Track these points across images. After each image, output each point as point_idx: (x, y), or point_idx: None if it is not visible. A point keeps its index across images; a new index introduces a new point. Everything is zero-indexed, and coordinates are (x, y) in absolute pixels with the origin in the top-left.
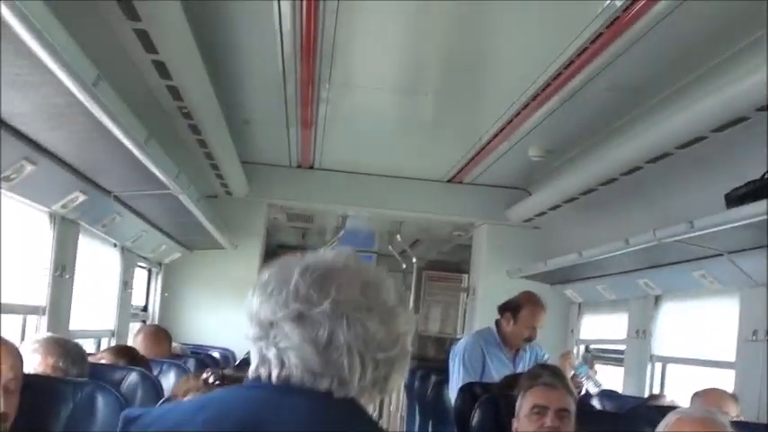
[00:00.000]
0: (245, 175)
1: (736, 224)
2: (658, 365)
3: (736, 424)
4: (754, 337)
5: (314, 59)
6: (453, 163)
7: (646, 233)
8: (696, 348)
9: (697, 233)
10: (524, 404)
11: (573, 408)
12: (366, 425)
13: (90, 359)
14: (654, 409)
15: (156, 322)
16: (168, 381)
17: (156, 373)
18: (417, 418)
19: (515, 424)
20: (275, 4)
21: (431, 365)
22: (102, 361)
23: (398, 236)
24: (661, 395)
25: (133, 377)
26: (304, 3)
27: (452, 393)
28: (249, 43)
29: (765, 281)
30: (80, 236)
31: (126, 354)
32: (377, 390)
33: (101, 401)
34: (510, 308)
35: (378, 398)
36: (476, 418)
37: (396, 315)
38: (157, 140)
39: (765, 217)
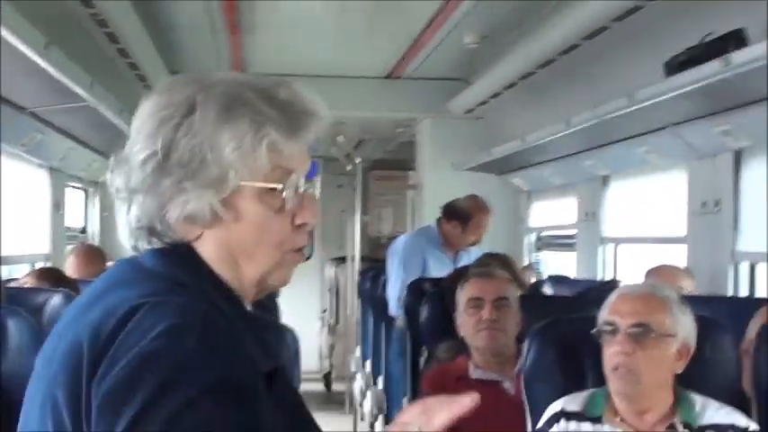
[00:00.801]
0: None
1: (677, 92)
2: (610, 247)
3: (688, 298)
4: (704, 209)
5: None
6: (389, 58)
7: (586, 111)
8: (647, 227)
9: (637, 106)
10: (461, 297)
11: (514, 295)
12: None
13: (13, 284)
14: (604, 291)
15: (97, 244)
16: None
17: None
18: (370, 319)
19: (458, 319)
20: None
21: (381, 266)
22: (27, 285)
23: (340, 137)
24: (614, 281)
25: (56, 300)
26: None
27: (391, 292)
28: None
29: (711, 151)
30: (2, 158)
31: (51, 276)
32: None
33: (12, 327)
34: (458, 215)
35: None
36: (424, 312)
37: None
38: (70, 51)
39: (706, 82)
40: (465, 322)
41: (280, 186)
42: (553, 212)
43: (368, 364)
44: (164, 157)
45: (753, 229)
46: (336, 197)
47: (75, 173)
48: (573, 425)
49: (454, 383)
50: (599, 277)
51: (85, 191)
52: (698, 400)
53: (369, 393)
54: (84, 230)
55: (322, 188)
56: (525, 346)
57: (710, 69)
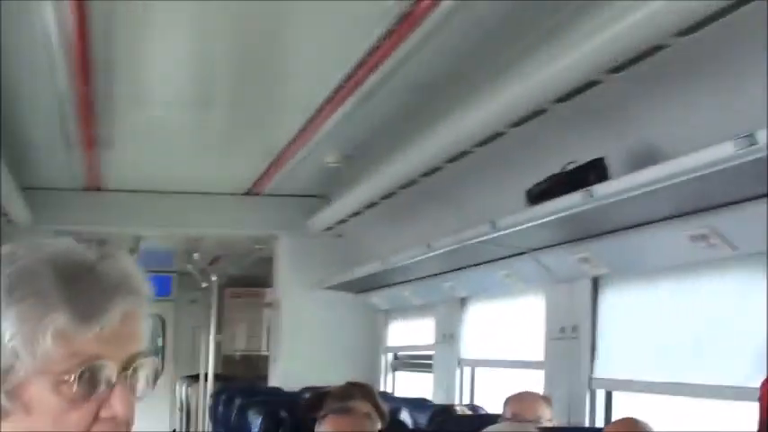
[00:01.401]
0: (26, 201)
1: (538, 222)
2: (467, 369)
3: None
4: (562, 334)
5: (89, 75)
6: (250, 175)
7: (448, 236)
8: (505, 350)
9: (499, 233)
10: None
11: (374, 428)
12: None
13: None
14: (463, 420)
15: None
16: None
17: None
18: None
19: None
20: (42, 17)
21: (236, 386)
22: None
23: (196, 254)
24: (468, 406)
25: None
26: (70, 16)
27: None
28: (19, 60)
29: (569, 277)
30: None
31: None
32: None
33: None
34: None
35: None
36: None
37: None
38: None
39: (567, 213)
40: None
41: (70, 377)
42: (411, 332)
43: None
44: None
45: (610, 355)
46: (190, 313)
47: None
48: None
49: None
50: (456, 400)
51: None
52: None
53: None
54: None
55: (175, 304)
56: None
57: (571, 201)
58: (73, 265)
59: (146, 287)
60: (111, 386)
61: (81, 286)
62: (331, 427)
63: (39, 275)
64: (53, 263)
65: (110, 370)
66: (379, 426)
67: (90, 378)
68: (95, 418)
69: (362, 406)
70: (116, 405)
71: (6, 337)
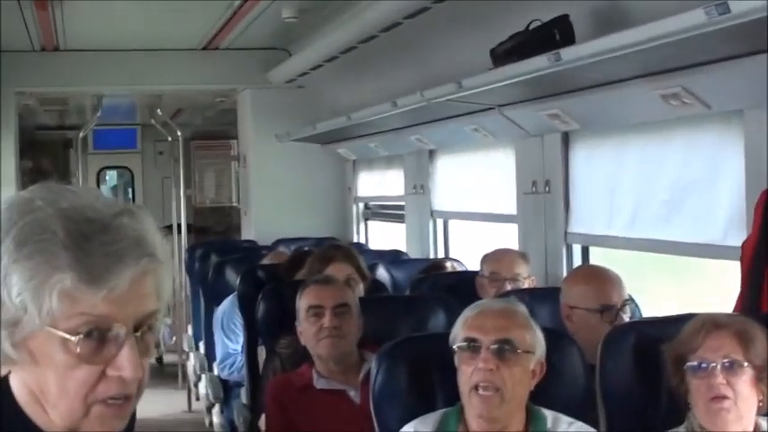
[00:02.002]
0: None
1: (504, 83)
2: (440, 221)
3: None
4: (534, 189)
5: None
6: (207, 29)
7: (414, 94)
8: (478, 203)
9: (465, 93)
10: (301, 306)
11: (354, 300)
12: None
13: None
14: (440, 278)
15: None
16: None
17: None
18: (201, 300)
19: (299, 327)
20: None
21: (210, 241)
22: None
23: (159, 109)
24: (445, 259)
25: None
26: None
27: (217, 363)
28: None
29: (539, 132)
30: None
31: None
32: None
33: None
34: None
35: None
36: (261, 309)
37: None
38: None
39: (534, 75)
40: (306, 330)
41: (75, 338)
42: (381, 183)
43: (201, 345)
44: None
45: (584, 211)
46: (158, 165)
47: None
48: None
49: (298, 394)
50: (431, 253)
51: None
52: (549, 416)
53: (204, 378)
54: None
55: (142, 156)
56: (374, 365)
57: (538, 64)
58: (86, 223)
59: (161, 248)
60: (118, 346)
61: (91, 247)
62: (314, 297)
63: (50, 233)
64: (67, 219)
65: (118, 330)
66: (361, 288)
67: (97, 337)
68: (102, 376)
69: (344, 268)
70: (123, 365)
71: (14, 291)
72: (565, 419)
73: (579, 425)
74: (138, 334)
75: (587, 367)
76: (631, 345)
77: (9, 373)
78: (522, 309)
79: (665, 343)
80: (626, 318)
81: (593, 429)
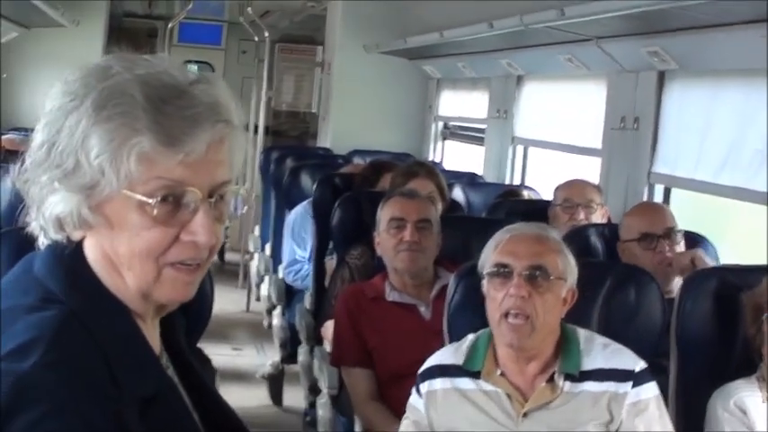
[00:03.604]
0: None
1: (608, 15)
2: (520, 148)
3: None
4: (622, 125)
5: None
6: None
7: (512, 17)
8: (561, 134)
9: (567, 21)
10: (383, 217)
11: (436, 217)
12: None
13: None
14: (516, 204)
15: None
16: (6, 185)
17: None
18: (273, 203)
19: (377, 238)
20: None
21: (286, 145)
22: None
23: (249, 8)
24: (521, 187)
25: None
26: None
27: (283, 268)
28: None
29: (634, 68)
30: None
31: None
32: None
33: None
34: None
35: None
36: (336, 216)
37: None
38: None
39: (638, 10)
40: (385, 242)
41: (152, 201)
42: (463, 104)
43: (267, 247)
44: (47, 151)
45: (671, 152)
46: (240, 63)
47: None
48: (447, 382)
49: (369, 304)
50: (508, 180)
51: None
52: (582, 338)
53: (267, 279)
54: None
55: (225, 53)
56: (452, 283)
57: None
58: (164, 88)
59: (237, 116)
60: (193, 211)
61: (169, 110)
62: (397, 209)
63: (129, 96)
64: (145, 84)
65: (193, 195)
66: (439, 207)
67: (173, 202)
68: (175, 240)
69: (426, 185)
70: (197, 230)
71: (93, 154)
72: (599, 341)
73: (614, 348)
74: (212, 201)
75: (665, 305)
76: (711, 290)
77: (83, 239)
78: (555, 234)
79: (745, 291)
80: (678, 248)
81: (630, 353)
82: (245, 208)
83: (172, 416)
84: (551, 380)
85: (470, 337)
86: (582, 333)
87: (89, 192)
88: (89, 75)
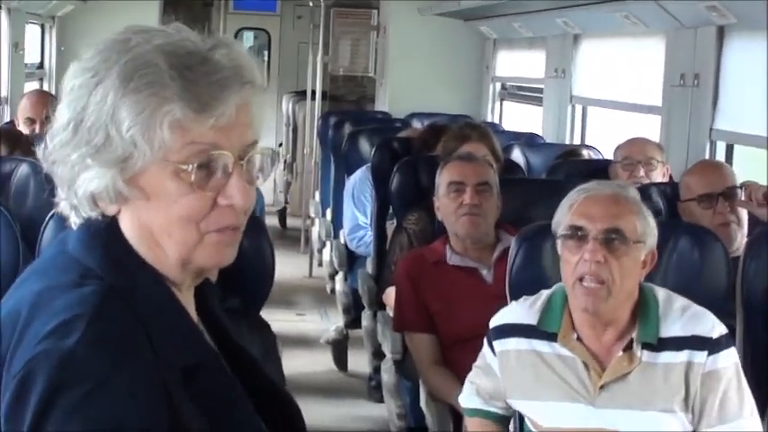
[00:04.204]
0: None
1: None
2: (579, 108)
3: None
4: (682, 82)
5: None
6: None
7: None
8: (620, 92)
9: None
10: (442, 182)
11: (495, 180)
12: None
13: None
14: (577, 165)
15: (54, 79)
16: None
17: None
18: (333, 167)
19: (436, 202)
20: None
21: (344, 110)
22: None
23: None
24: (581, 146)
25: (22, 170)
26: None
27: (346, 234)
28: None
29: (693, 24)
30: None
31: (8, 138)
32: None
33: None
34: None
35: None
36: (395, 181)
37: None
38: None
39: None
40: (445, 206)
41: (188, 167)
42: (520, 64)
43: (328, 212)
44: (74, 128)
45: (732, 108)
46: (295, 29)
47: (33, 11)
48: (522, 342)
49: (431, 268)
50: (567, 139)
51: (42, 26)
52: (661, 300)
53: (329, 245)
54: (41, 65)
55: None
56: (513, 246)
57: None
58: (187, 55)
59: (260, 77)
60: (227, 175)
61: (195, 77)
62: (456, 173)
63: (154, 66)
64: (167, 52)
65: (226, 159)
66: (495, 169)
67: (207, 166)
68: (214, 204)
69: (479, 148)
70: (233, 193)
71: (124, 126)
72: (678, 303)
73: (693, 311)
74: (242, 163)
75: (729, 265)
76: None
77: (117, 213)
78: (633, 193)
79: None
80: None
81: (708, 315)
82: (276, 169)
83: (216, 383)
84: (629, 347)
85: (544, 293)
86: (660, 294)
87: (123, 165)
88: (108, 49)
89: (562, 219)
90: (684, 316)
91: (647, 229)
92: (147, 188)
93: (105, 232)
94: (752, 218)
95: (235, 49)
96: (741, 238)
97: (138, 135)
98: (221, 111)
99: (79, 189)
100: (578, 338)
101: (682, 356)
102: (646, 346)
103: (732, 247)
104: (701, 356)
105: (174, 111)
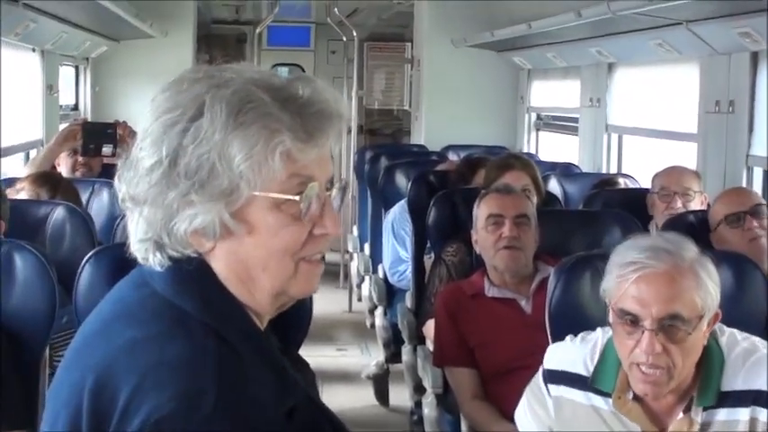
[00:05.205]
0: None
1: None
2: (615, 136)
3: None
4: (717, 109)
5: None
6: None
7: (599, 5)
8: (655, 120)
9: (655, 6)
10: (480, 215)
11: (533, 212)
12: None
13: (9, 192)
14: (615, 193)
15: (90, 119)
16: (102, 201)
17: (84, 198)
18: (370, 201)
19: (474, 236)
20: None
21: (380, 144)
22: (22, 194)
23: (336, 8)
24: (618, 175)
25: (58, 213)
26: None
27: (387, 269)
28: None
29: (726, 50)
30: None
31: (47, 181)
32: None
33: (19, 262)
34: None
35: None
36: (431, 215)
37: None
38: None
39: None
40: (483, 239)
41: (296, 198)
42: (555, 94)
43: (366, 247)
44: (169, 166)
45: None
46: (330, 64)
47: (67, 53)
48: (578, 394)
49: (469, 302)
50: (604, 168)
51: (76, 67)
52: (725, 347)
53: (368, 279)
54: (76, 107)
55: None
56: (553, 277)
57: None
58: (280, 88)
59: (347, 110)
60: (320, 206)
61: (297, 109)
62: (494, 205)
63: (259, 99)
64: (264, 87)
65: (319, 190)
66: (535, 200)
67: (306, 198)
68: (309, 235)
69: (521, 177)
70: (328, 223)
71: (237, 160)
72: (740, 347)
73: (757, 356)
74: (330, 194)
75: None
76: None
77: (211, 251)
78: (691, 252)
79: None
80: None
81: (761, 339)
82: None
83: (310, 424)
84: (688, 409)
85: (599, 338)
86: (724, 339)
87: (228, 198)
88: (194, 86)
89: (610, 291)
90: (746, 365)
91: (709, 297)
92: (251, 221)
93: (198, 272)
94: None
95: (318, 83)
96: None
97: (248, 168)
98: (323, 141)
99: (179, 226)
100: (635, 397)
101: (744, 414)
102: (706, 408)
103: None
104: (763, 414)
105: (285, 141)
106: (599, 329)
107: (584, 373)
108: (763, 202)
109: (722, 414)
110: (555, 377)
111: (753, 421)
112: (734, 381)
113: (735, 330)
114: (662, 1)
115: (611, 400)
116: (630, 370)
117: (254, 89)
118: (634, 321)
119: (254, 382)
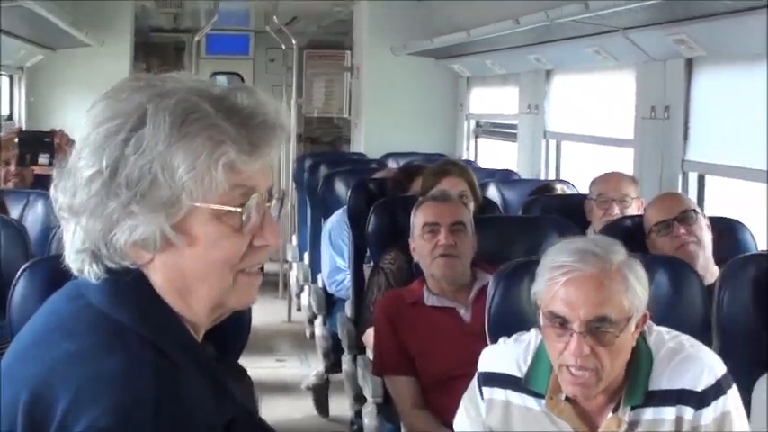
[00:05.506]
0: None
1: (632, 5)
2: (553, 143)
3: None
4: (653, 115)
5: None
6: None
7: (537, 12)
8: (593, 126)
9: (592, 14)
10: (416, 223)
11: (469, 219)
12: None
13: None
14: (553, 199)
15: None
16: (36, 213)
17: (17, 210)
18: (308, 210)
19: (412, 244)
20: None
21: (319, 152)
22: None
23: (275, 16)
24: (556, 181)
25: None
26: None
27: (325, 278)
28: None
29: (662, 57)
30: None
31: None
32: None
33: None
34: None
35: None
36: (370, 223)
37: None
38: None
39: None
40: (420, 248)
41: (238, 209)
42: (494, 101)
43: (306, 256)
44: (110, 176)
45: (702, 139)
46: (268, 72)
47: (1, 62)
48: (511, 395)
49: (409, 309)
50: (542, 175)
51: (11, 77)
52: (653, 346)
53: (308, 289)
54: (10, 117)
55: (254, 62)
56: (491, 285)
57: None
58: (221, 99)
59: (288, 120)
60: (260, 217)
61: (240, 120)
62: (430, 214)
63: (203, 110)
64: (206, 97)
65: (259, 200)
66: (473, 207)
67: (247, 209)
68: (249, 246)
69: (458, 183)
70: (268, 235)
71: (181, 170)
72: (669, 345)
73: (683, 355)
74: (271, 203)
75: (705, 297)
76: (751, 277)
77: (149, 263)
78: (619, 254)
79: None
80: (700, 228)
81: (697, 354)
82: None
83: None
84: (616, 410)
85: (533, 340)
86: (653, 338)
87: (169, 210)
88: (135, 95)
89: (540, 294)
90: (671, 365)
91: (637, 300)
92: (192, 232)
93: (135, 283)
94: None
95: (259, 94)
96: (705, 261)
97: (191, 179)
98: (267, 152)
99: (119, 237)
100: (567, 398)
101: (670, 412)
102: (633, 407)
103: (697, 267)
104: (688, 412)
105: (230, 153)
106: (533, 330)
107: (517, 374)
108: (693, 207)
109: (649, 413)
110: (489, 380)
111: (678, 420)
112: (660, 380)
113: (663, 329)
114: (599, 8)
115: (543, 401)
116: (560, 372)
117: (198, 99)
118: (563, 324)
119: (191, 395)
